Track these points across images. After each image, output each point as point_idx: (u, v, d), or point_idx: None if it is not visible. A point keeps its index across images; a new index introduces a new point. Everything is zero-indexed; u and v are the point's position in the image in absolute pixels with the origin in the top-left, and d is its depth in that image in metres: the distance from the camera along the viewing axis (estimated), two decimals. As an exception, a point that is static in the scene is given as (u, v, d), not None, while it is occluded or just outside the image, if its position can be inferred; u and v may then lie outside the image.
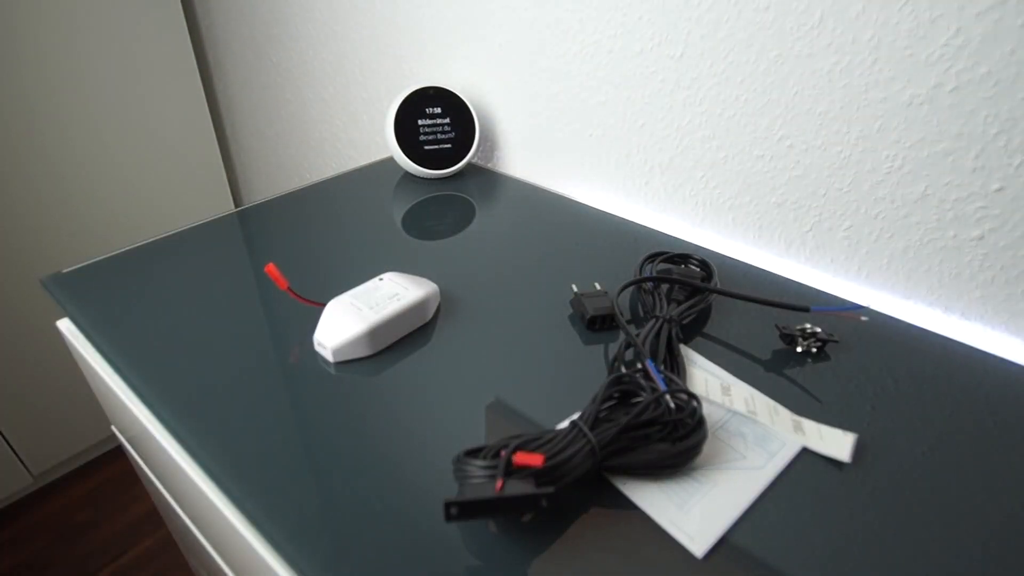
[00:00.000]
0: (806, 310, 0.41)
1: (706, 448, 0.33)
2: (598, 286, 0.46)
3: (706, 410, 0.37)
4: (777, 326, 0.43)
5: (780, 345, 0.43)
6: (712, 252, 0.54)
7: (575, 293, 0.45)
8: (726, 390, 0.38)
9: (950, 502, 0.32)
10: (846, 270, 0.51)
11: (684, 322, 0.43)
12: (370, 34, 0.82)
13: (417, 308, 0.43)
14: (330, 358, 0.41)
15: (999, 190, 0.42)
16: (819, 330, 0.42)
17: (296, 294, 0.44)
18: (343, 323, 0.40)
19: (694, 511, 0.30)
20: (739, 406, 0.37)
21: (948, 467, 0.34)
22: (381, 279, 0.44)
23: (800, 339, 0.42)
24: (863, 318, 0.42)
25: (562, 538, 0.29)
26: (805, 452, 0.34)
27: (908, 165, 0.45)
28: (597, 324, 0.43)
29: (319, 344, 0.41)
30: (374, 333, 0.40)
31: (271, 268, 0.44)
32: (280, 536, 0.30)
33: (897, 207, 0.46)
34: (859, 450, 0.34)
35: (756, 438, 0.35)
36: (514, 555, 0.29)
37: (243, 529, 0.33)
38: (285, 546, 0.29)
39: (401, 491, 0.32)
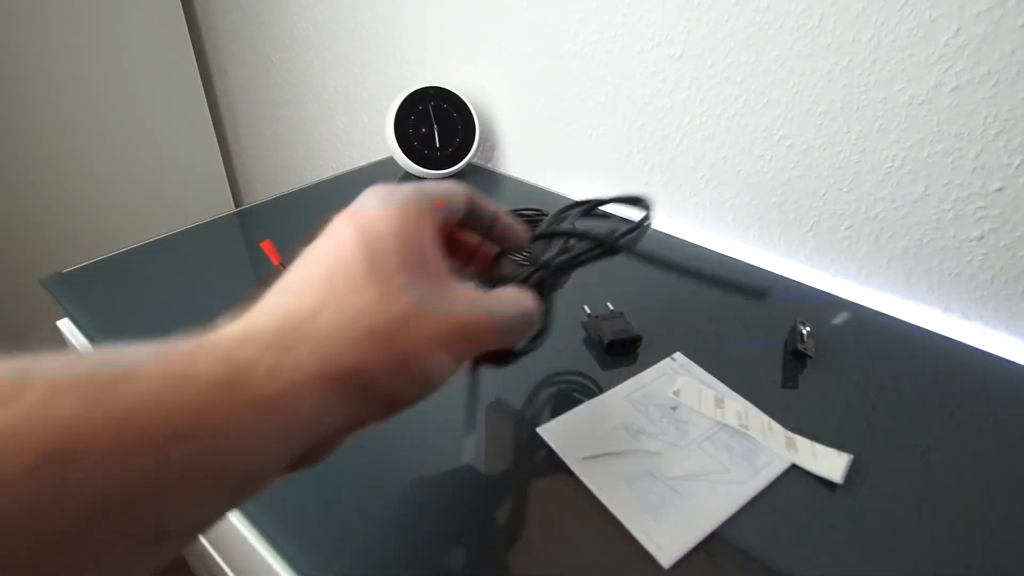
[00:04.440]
0: (762, 296, 0.36)
1: (689, 460, 0.33)
2: (610, 307, 0.45)
3: (695, 421, 0.36)
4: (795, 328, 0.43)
5: (779, 344, 0.43)
6: (712, 252, 0.54)
7: (588, 315, 0.44)
8: (719, 402, 0.37)
9: (949, 502, 0.32)
10: (846, 270, 0.51)
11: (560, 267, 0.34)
12: (370, 34, 0.82)
13: None
14: None
15: (999, 190, 0.42)
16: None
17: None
18: None
19: (667, 521, 0.30)
20: (731, 419, 0.36)
21: (948, 466, 0.34)
22: None
23: (800, 339, 0.42)
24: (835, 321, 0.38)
25: (528, 539, 0.29)
26: (795, 470, 0.33)
27: (908, 165, 0.45)
28: (615, 348, 0.41)
29: None
30: None
31: (267, 244, 0.45)
32: (280, 536, 0.30)
33: (897, 207, 0.46)
34: (858, 448, 0.34)
35: (743, 452, 0.34)
36: (479, 547, 0.29)
37: (243, 529, 0.33)
38: (285, 546, 0.29)
39: (398, 491, 0.32)
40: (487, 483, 0.32)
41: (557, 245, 0.33)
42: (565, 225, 0.36)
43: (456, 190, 0.27)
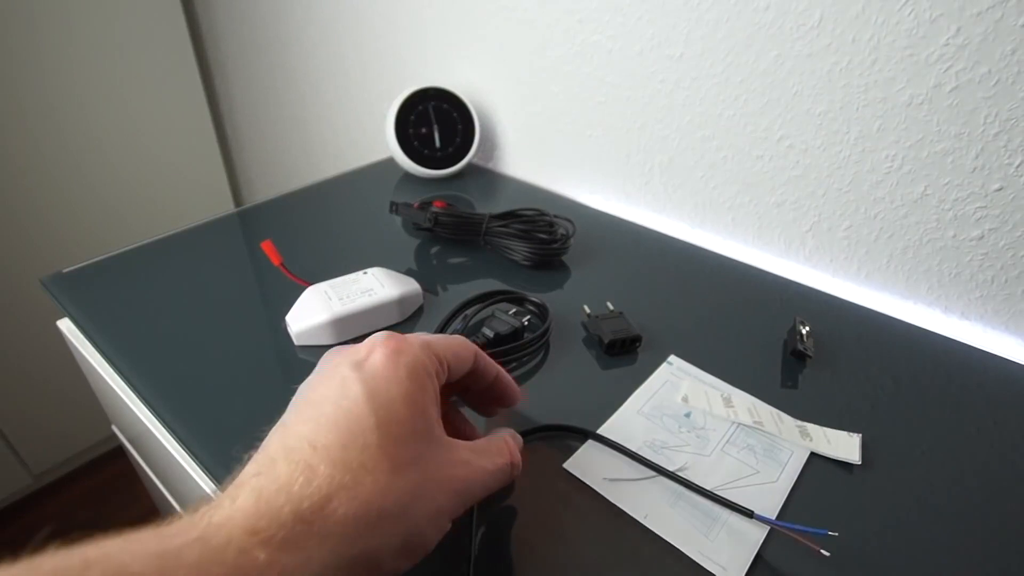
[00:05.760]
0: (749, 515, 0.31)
1: (719, 468, 0.33)
2: (610, 307, 0.45)
3: (711, 425, 0.36)
4: (794, 327, 0.43)
5: (778, 346, 0.43)
6: (711, 252, 0.54)
7: (588, 315, 0.44)
8: (728, 401, 0.38)
9: (949, 502, 0.32)
10: (846, 270, 0.51)
11: None
12: (370, 34, 0.82)
13: (388, 306, 0.43)
14: (294, 340, 0.42)
15: (999, 190, 0.42)
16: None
17: (287, 270, 0.45)
18: (312, 309, 0.41)
19: (720, 537, 0.29)
20: (744, 417, 0.36)
21: (947, 466, 0.34)
22: (365, 273, 0.45)
23: (800, 339, 0.42)
24: (824, 552, 0.28)
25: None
26: (813, 458, 0.34)
27: (908, 165, 0.45)
28: (615, 348, 0.41)
29: (288, 325, 0.42)
30: (337, 323, 0.41)
31: (267, 244, 0.45)
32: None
33: (897, 207, 0.46)
34: (863, 451, 0.34)
35: (765, 449, 0.34)
36: None
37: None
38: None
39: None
40: (529, 536, 0.30)
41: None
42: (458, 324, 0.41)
43: (464, 350, 0.26)
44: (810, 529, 0.28)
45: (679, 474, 0.32)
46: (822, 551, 0.27)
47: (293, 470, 0.20)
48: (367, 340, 0.24)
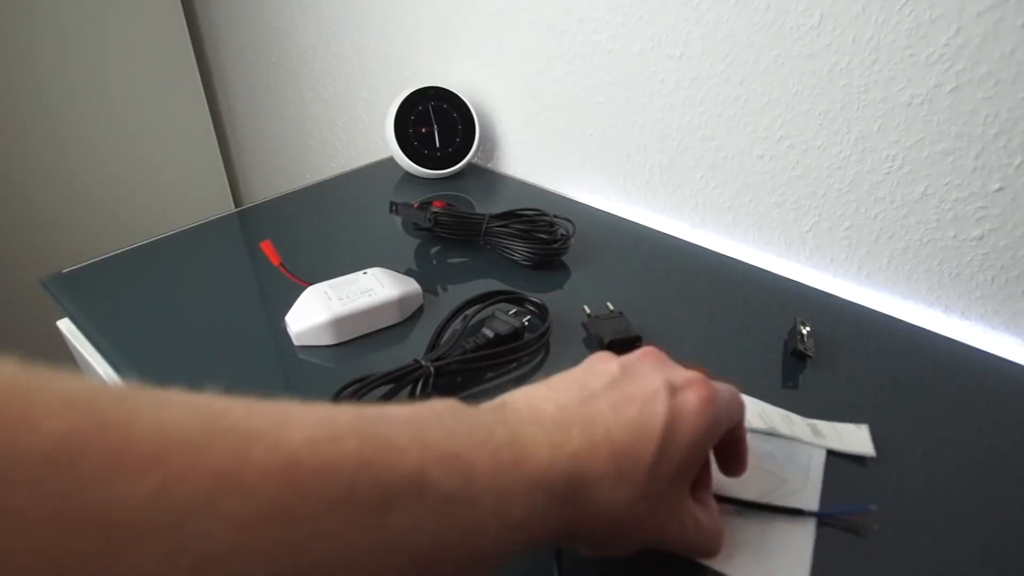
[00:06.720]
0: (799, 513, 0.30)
1: (748, 480, 0.31)
2: (610, 307, 0.45)
3: None
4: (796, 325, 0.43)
5: (779, 346, 0.43)
6: (712, 252, 0.54)
7: (588, 315, 0.44)
8: None
9: (949, 502, 0.32)
10: (846, 270, 0.51)
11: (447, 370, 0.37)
12: (370, 34, 0.82)
13: (388, 306, 0.43)
14: (293, 341, 0.42)
15: (999, 190, 0.42)
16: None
17: (287, 270, 0.45)
18: (312, 310, 0.41)
19: (772, 558, 0.28)
20: (756, 422, 0.35)
21: (947, 467, 0.34)
22: (365, 273, 0.45)
23: (800, 339, 0.42)
24: (875, 525, 0.29)
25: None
26: (829, 456, 0.34)
27: (908, 165, 0.45)
28: (615, 348, 0.41)
29: (287, 326, 0.42)
30: (337, 323, 0.41)
31: (267, 244, 0.45)
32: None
33: (897, 207, 0.46)
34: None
35: (784, 455, 0.33)
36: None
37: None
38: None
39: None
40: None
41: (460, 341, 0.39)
42: (458, 324, 0.42)
43: (743, 414, 0.28)
44: (853, 508, 0.28)
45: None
46: (874, 525, 0.28)
47: (584, 444, 0.23)
48: (687, 372, 0.26)
